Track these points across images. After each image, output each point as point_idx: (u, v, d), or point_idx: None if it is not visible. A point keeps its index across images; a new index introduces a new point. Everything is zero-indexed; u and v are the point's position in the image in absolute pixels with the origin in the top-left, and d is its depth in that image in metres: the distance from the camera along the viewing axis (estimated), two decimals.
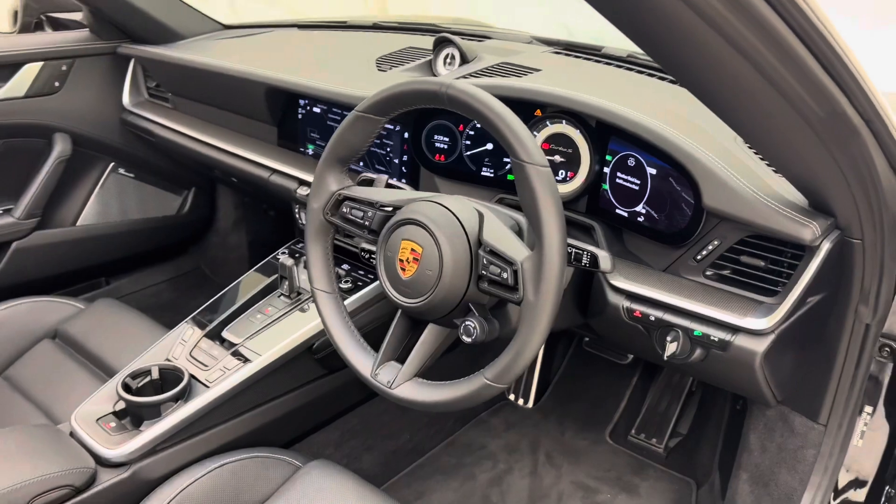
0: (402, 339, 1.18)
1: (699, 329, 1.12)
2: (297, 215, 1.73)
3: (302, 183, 1.66)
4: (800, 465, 1.38)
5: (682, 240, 1.17)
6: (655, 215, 1.21)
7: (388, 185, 1.27)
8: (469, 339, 1.06)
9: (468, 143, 1.43)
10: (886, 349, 1.22)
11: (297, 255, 1.71)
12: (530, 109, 1.34)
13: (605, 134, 1.26)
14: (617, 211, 1.28)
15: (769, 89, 0.76)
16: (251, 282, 1.64)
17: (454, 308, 1.07)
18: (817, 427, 1.34)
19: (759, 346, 1.08)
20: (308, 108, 1.70)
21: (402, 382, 1.11)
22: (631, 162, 1.23)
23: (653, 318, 1.17)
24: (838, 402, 1.28)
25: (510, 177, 1.41)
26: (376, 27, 2.19)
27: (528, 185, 0.96)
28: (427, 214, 1.07)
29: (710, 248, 1.15)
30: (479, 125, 1.37)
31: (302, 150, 1.75)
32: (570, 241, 1.08)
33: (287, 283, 1.55)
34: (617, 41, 1.67)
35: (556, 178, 1.35)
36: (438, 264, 1.05)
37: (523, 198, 0.98)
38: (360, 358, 1.17)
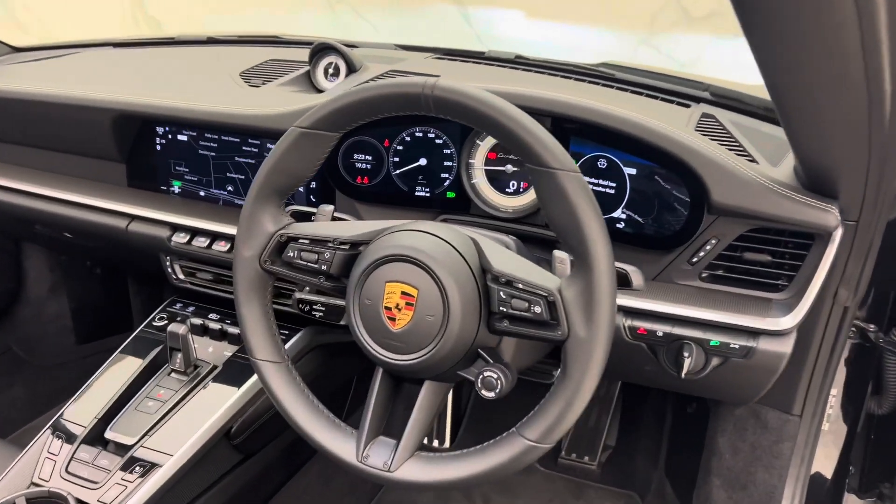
0: (387, 406, 0.94)
1: (716, 339, 1.02)
2: (170, 269, 1.39)
3: (176, 228, 1.33)
4: (777, 460, 1.33)
5: (676, 243, 1.06)
6: (640, 219, 1.09)
7: (335, 219, 1.02)
8: (492, 394, 0.86)
9: (396, 160, 1.22)
10: (852, 328, 1.21)
11: (177, 317, 1.38)
12: None
13: (563, 135, 1.12)
14: None
15: (857, 54, 0.66)
16: (125, 363, 1.28)
17: (461, 358, 0.87)
18: (792, 419, 1.30)
19: (785, 346, 1.00)
20: (170, 136, 1.38)
21: (402, 462, 0.88)
22: (602, 163, 1.10)
23: (661, 334, 1.04)
24: (812, 390, 1.25)
25: (450, 194, 1.22)
26: (212, 41, 1.88)
27: (562, 196, 0.78)
28: (416, 247, 0.85)
29: (708, 248, 1.05)
30: (408, 138, 1.17)
31: (165, 188, 1.42)
32: (560, 253, 0.91)
33: (181, 355, 1.22)
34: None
35: (507, 189, 1.19)
36: (443, 307, 0.83)
37: (554, 212, 0.80)
38: (337, 441, 0.92)
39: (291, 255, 0.93)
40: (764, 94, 1.48)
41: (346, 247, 0.92)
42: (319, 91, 1.46)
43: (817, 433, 1.31)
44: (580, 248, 0.79)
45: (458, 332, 0.84)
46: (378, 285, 0.86)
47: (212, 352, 1.29)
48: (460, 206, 1.22)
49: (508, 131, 0.80)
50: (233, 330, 1.30)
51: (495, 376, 0.86)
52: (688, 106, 1.30)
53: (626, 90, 1.37)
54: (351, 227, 0.94)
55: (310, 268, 0.93)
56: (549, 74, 1.45)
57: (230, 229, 1.28)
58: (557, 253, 0.88)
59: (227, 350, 1.28)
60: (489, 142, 1.18)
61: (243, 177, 1.34)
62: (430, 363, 0.85)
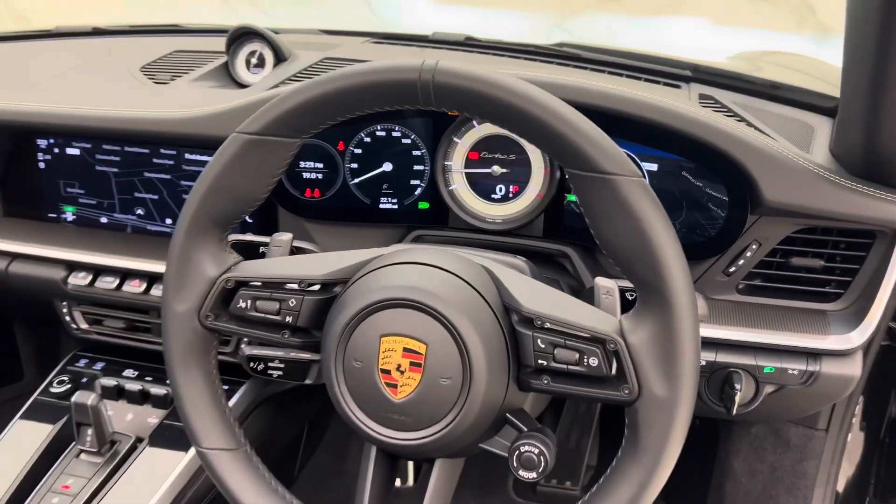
0: (384, 495, 0.72)
1: (770, 364, 0.84)
2: (69, 318, 1.11)
3: (73, 267, 1.05)
4: (801, 481, 1.19)
5: (711, 251, 0.88)
6: None
7: (296, 251, 0.78)
8: (533, 475, 0.65)
9: (354, 166, 0.99)
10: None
11: (83, 379, 1.09)
12: None
13: None
14: None
15: None
16: (16, 445, 1.00)
17: (486, 429, 0.66)
18: (817, 434, 1.16)
19: (854, 368, 0.83)
20: (56, 149, 1.09)
21: None
22: None
23: (703, 363, 0.86)
24: (841, 401, 1.11)
25: (423, 205, 1.00)
26: (99, 32, 1.58)
27: (624, 209, 0.58)
28: (418, 286, 0.63)
29: (748, 254, 0.87)
30: (367, 139, 0.95)
31: (54, 216, 1.13)
32: (606, 281, 0.71)
33: (92, 431, 0.95)
34: None
35: (494, 196, 0.98)
36: (462, 366, 0.62)
37: (612, 231, 0.60)
38: None
39: (243, 305, 0.69)
40: (748, 71, 1.35)
41: (318, 289, 0.69)
42: (243, 86, 1.21)
43: (843, 447, 1.17)
44: (651, 278, 0.59)
45: (483, 397, 0.62)
46: (370, 341, 0.63)
47: (132, 420, 1.02)
48: (436, 219, 1.00)
49: (544, 128, 0.59)
50: (157, 390, 1.03)
51: (536, 451, 0.65)
52: (678, 87, 1.12)
53: (601, 71, 1.18)
54: (320, 262, 0.70)
55: (269, 321, 0.69)
56: (507, 56, 1.25)
57: (144, 264, 1.01)
58: (602, 281, 0.68)
59: (153, 416, 1.02)
60: (470, 138, 0.96)
61: (157, 196, 1.07)
62: (447, 440, 0.64)
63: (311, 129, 0.65)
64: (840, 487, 1.21)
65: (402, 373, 0.63)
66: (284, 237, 0.77)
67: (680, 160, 0.87)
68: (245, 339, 0.94)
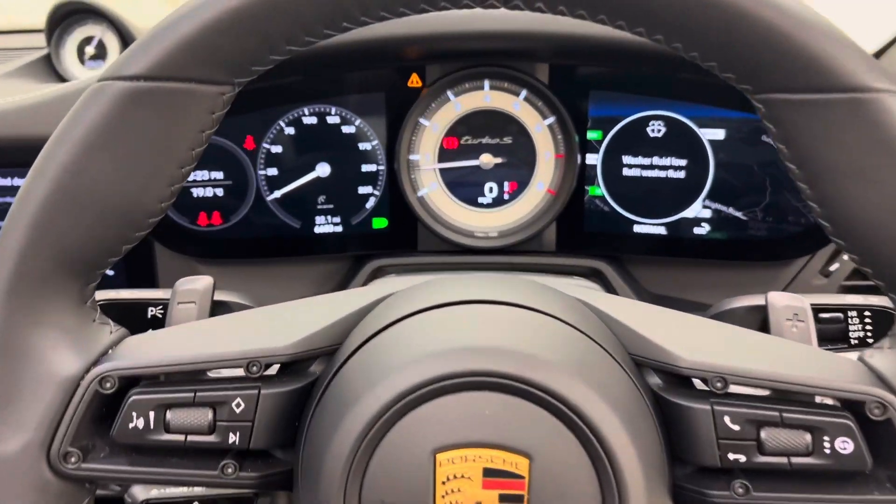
0: None
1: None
2: None
3: None
4: None
5: (810, 245, 0.63)
6: (739, 215, 0.64)
7: (218, 309, 0.44)
8: None
9: (272, 173, 0.65)
10: None
11: None
12: (402, 76, 0.65)
13: (579, 89, 0.65)
14: (637, 229, 0.67)
15: None
16: None
17: None
18: None
19: None
20: None
21: None
22: (656, 129, 0.64)
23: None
24: None
25: (379, 222, 0.68)
26: None
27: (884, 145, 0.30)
28: (499, 346, 0.32)
29: None
30: (290, 129, 0.63)
31: None
32: (788, 297, 0.43)
33: None
34: None
35: (482, 199, 0.68)
36: (603, 491, 0.31)
37: (863, 182, 0.31)
38: None
39: (138, 424, 0.33)
40: None
41: (280, 374, 0.36)
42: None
43: None
44: None
45: None
46: (413, 464, 0.31)
47: None
48: (400, 241, 0.69)
49: (740, 27, 0.30)
50: None
51: None
52: None
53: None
54: (280, 321, 0.37)
55: (194, 446, 0.34)
56: None
57: None
58: (781, 299, 0.40)
59: None
60: (444, 118, 0.66)
61: None
62: None
63: (254, 60, 0.32)
64: None
65: None
66: (198, 284, 0.42)
67: (759, 120, 0.62)
68: None
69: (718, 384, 0.33)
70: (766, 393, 0.34)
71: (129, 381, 0.34)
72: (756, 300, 0.44)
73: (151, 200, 0.33)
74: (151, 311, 0.46)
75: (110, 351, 0.34)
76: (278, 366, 0.36)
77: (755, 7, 0.30)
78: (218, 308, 0.45)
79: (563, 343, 0.33)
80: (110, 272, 0.67)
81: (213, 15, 0.31)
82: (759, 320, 0.45)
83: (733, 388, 0.33)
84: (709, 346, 0.35)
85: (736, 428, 0.33)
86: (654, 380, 0.35)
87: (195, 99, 0.32)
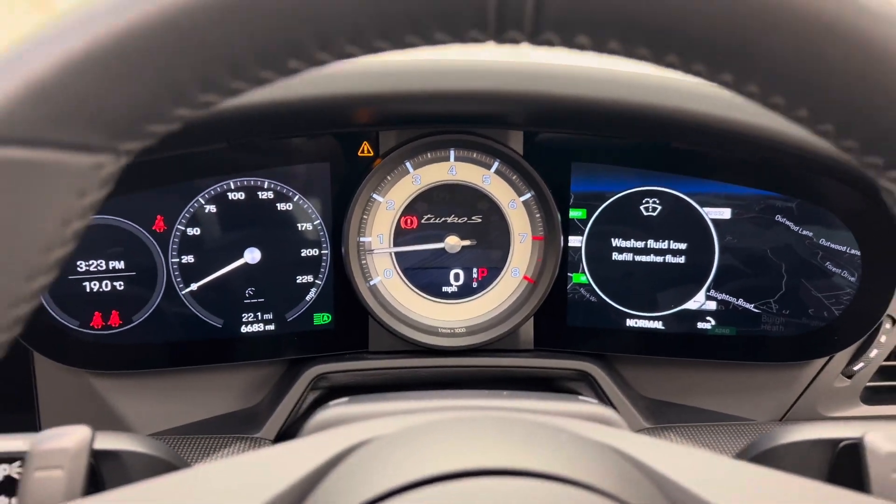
0: None
1: None
2: None
3: None
4: None
5: (835, 344, 0.54)
6: (749, 307, 0.55)
7: (100, 461, 0.30)
8: None
9: (188, 260, 0.53)
10: None
11: None
12: (350, 144, 0.54)
13: (559, 160, 0.55)
14: (629, 323, 0.57)
15: None
16: None
17: None
18: None
19: None
20: None
21: None
22: (650, 206, 0.55)
23: None
24: None
25: (322, 318, 0.56)
26: None
27: None
28: None
29: (884, 338, 0.55)
30: (211, 207, 0.51)
31: None
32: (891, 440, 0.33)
33: None
34: None
35: (446, 288, 0.57)
36: None
37: None
38: None
39: None
40: None
41: None
42: None
43: None
44: None
45: None
46: None
47: None
48: (347, 342, 0.56)
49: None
50: None
51: None
52: None
53: None
54: (203, 488, 0.24)
55: None
56: None
57: None
58: (883, 443, 0.29)
59: None
60: (401, 192, 0.55)
61: None
62: None
63: (151, 115, 0.21)
64: None
65: None
66: (66, 441, 0.29)
67: (772, 197, 0.53)
68: None
69: None
70: None
71: None
72: (827, 431, 0.34)
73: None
74: (5, 469, 0.32)
75: None
76: None
77: None
78: (102, 461, 0.31)
79: None
80: None
81: (84, 45, 0.19)
82: (829, 461, 0.34)
83: None
84: None
85: None
86: None
87: (52, 174, 0.20)
